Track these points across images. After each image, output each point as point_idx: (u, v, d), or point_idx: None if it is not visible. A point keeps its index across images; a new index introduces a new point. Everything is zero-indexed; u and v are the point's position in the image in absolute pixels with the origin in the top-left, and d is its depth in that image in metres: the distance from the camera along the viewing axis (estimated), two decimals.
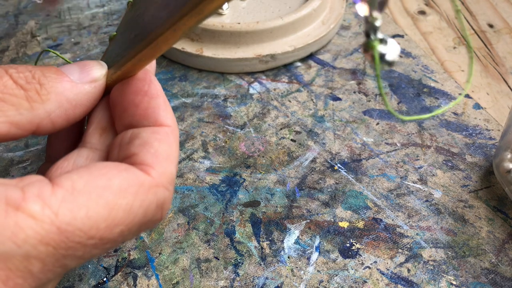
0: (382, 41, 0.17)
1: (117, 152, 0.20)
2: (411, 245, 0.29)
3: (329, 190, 0.32)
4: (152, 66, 0.23)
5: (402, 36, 0.43)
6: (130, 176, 0.18)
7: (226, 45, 0.39)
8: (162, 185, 0.19)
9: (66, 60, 0.25)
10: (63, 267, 0.17)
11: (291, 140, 0.35)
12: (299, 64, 0.41)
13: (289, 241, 0.29)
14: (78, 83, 0.20)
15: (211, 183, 0.32)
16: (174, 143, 0.20)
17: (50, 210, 0.16)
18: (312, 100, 0.38)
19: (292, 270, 0.28)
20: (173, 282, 0.27)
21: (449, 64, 0.41)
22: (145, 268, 0.28)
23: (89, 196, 0.17)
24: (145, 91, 0.21)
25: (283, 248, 0.29)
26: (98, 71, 0.21)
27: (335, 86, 0.39)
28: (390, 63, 0.17)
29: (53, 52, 0.25)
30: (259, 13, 0.42)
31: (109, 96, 0.22)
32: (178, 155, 0.20)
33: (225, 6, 0.41)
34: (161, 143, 0.20)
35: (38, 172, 0.24)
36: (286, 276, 0.28)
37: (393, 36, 0.43)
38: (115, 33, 0.24)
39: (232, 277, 0.27)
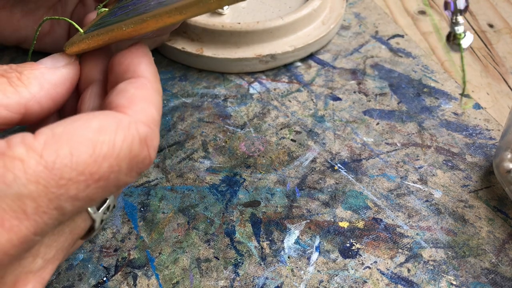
0: (463, 33, 0.25)
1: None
2: (411, 245, 0.29)
3: (329, 190, 0.32)
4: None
5: (402, 36, 0.43)
6: (107, 116, 0.19)
7: (226, 45, 0.39)
8: (141, 121, 0.19)
9: (71, 23, 0.25)
10: (60, 210, 0.17)
11: (291, 140, 0.35)
12: (299, 64, 0.41)
13: (289, 241, 0.29)
14: (52, 67, 0.22)
15: (211, 183, 0.32)
16: (152, 91, 0.21)
17: (34, 152, 0.17)
18: (312, 100, 0.38)
19: (292, 270, 0.28)
20: (173, 282, 0.27)
21: (449, 64, 0.41)
22: (145, 268, 0.28)
23: (70, 137, 0.18)
24: (131, 51, 0.22)
25: (283, 248, 0.29)
26: (66, 58, 0.23)
27: (335, 86, 0.39)
28: (465, 49, 0.25)
29: (55, 19, 0.25)
30: (259, 13, 0.42)
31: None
32: (160, 106, 0.21)
33: (225, 6, 0.41)
34: (138, 89, 0.20)
35: None
36: (286, 276, 0.28)
37: (393, 36, 0.43)
38: (105, 9, 0.26)
39: (232, 277, 0.27)
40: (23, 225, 0.17)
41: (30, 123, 0.22)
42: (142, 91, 0.20)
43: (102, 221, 0.22)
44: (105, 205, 0.22)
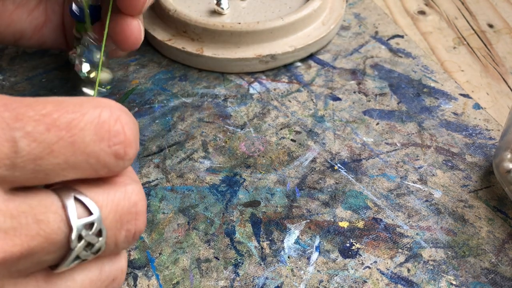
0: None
1: None
2: (411, 245, 0.29)
3: (329, 190, 0.32)
4: None
5: (402, 36, 0.43)
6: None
7: (226, 45, 0.39)
8: (118, 107, 0.19)
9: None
10: (11, 142, 0.16)
11: (291, 140, 0.35)
12: (299, 64, 0.41)
13: (289, 241, 0.29)
14: None
15: (211, 183, 0.32)
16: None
17: None
18: (312, 100, 0.38)
19: (292, 270, 0.28)
20: (173, 282, 0.27)
21: (449, 64, 0.41)
22: (145, 268, 0.28)
23: (39, 98, 0.17)
24: None
25: (283, 248, 0.29)
26: None
27: (335, 86, 0.39)
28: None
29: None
30: (260, 13, 0.42)
31: None
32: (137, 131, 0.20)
33: (226, 6, 0.41)
34: None
35: None
36: (286, 276, 0.28)
37: (393, 37, 0.43)
38: None
39: (232, 277, 0.28)
40: None
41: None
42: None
43: (81, 238, 0.18)
44: (89, 218, 0.18)
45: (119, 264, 0.21)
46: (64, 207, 0.18)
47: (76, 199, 0.18)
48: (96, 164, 0.18)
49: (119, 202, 0.19)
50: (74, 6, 0.31)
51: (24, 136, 0.16)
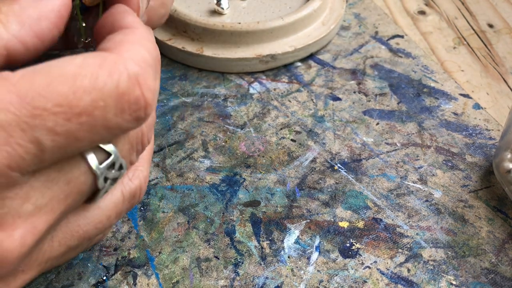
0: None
1: None
2: (411, 245, 0.29)
3: (329, 190, 0.32)
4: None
5: (402, 36, 0.43)
6: (92, 54, 0.17)
7: (226, 45, 0.39)
8: (131, 59, 0.18)
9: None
10: (37, 144, 0.16)
11: (291, 140, 0.35)
12: (299, 64, 0.41)
13: (289, 241, 0.29)
14: (35, 0, 0.20)
15: (211, 183, 0.32)
16: (142, 37, 0.19)
17: (7, 82, 0.16)
18: (312, 100, 0.38)
19: (292, 270, 0.28)
20: (173, 281, 0.27)
21: (449, 64, 0.41)
22: (145, 267, 0.28)
23: (49, 70, 0.16)
24: (112, 11, 0.20)
25: (283, 247, 0.29)
26: None
27: (335, 86, 0.39)
28: None
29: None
30: (260, 13, 0.42)
31: None
32: (154, 51, 0.19)
33: (226, 5, 0.41)
34: (126, 35, 0.19)
35: None
36: (286, 276, 0.28)
37: (393, 37, 0.43)
38: None
39: (232, 276, 0.27)
40: None
41: (17, 63, 0.20)
42: (130, 36, 0.19)
43: (107, 179, 0.20)
44: (109, 160, 0.19)
45: (137, 181, 0.23)
46: (84, 158, 0.18)
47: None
48: (119, 132, 0.18)
49: (131, 133, 0.20)
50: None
51: (46, 133, 0.16)
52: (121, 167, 0.20)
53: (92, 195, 0.20)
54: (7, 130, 0.15)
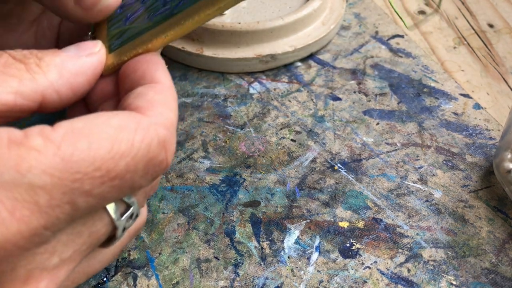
0: None
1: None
2: (411, 245, 0.29)
3: (329, 190, 0.32)
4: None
5: (402, 36, 0.43)
6: (127, 115, 0.19)
7: (226, 45, 0.39)
8: (161, 123, 0.19)
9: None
10: (72, 205, 0.17)
11: (291, 140, 0.35)
12: (299, 64, 0.41)
13: (289, 241, 0.29)
14: (75, 55, 0.21)
15: (211, 183, 0.32)
16: (170, 96, 0.20)
17: (52, 143, 0.17)
18: (312, 100, 0.38)
19: (292, 270, 0.28)
20: (173, 282, 0.27)
21: (449, 64, 0.41)
22: (145, 268, 0.28)
23: (90, 131, 0.17)
24: (146, 59, 0.21)
25: (283, 248, 0.29)
26: (93, 45, 0.22)
27: (335, 86, 0.39)
28: None
29: None
30: (260, 13, 0.42)
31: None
32: (177, 111, 0.21)
33: None
34: (157, 94, 0.20)
35: None
36: (286, 276, 0.28)
37: (393, 36, 0.43)
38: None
39: (232, 277, 0.27)
40: (34, 217, 0.16)
41: (47, 111, 0.21)
42: (161, 95, 0.20)
43: (124, 229, 0.21)
44: (128, 212, 0.21)
45: (141, 218, 0.24)
46: (106, 211, 0.20)
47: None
48: (138, 190, 0.20)
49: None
50: None
51: (82, 195, 0.17)
52: (136, 216, 0.21)
53: (107, 241, 0.21)
54: (50, 193, 0.16)
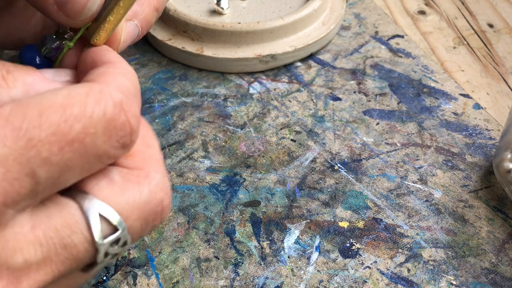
0: None
1: None
2: (411, 245, 0.29)
3: (329, 190, 0.32)
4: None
5: (402, 36, 0.43)
6: (77, 85, 0.18)
7: (226, 45, 0.39)
8: (115, 87, 0.18)
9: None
10: (33, 177, 0.16)
11: (291, 140, 0.35)
12: (299, 64, 0.41)
13: (289, 241, 0.29)
14: (50, 79, 0.20)
15: (211, 183, 0.32)
16: (124, 68, 0.20)
17: None
18: (312, 100, 0.38)
19: (292, 270, 0.28)
20: (173, 281, 0.27)
21: (449, 64, 0.41)
22: (145, 267, 0.28)
23: (38, 102, 0.16)
24: (93, 49, 0.21)
25: (283, 248, 0.29)
26: (71, 75, 0.21)
27: (335, 86, 0.39)
28: None
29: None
30: (260, 13, 0.42)
31: None
32: (134, 82, 0.20)
33: (226, 5, 0.41)
34: (108, 68, 0.19)
35: None
36: (286, 276, 0.28)
37: (393, 37, 0.43)
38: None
39: (232, 276, 0.27)
40: None
41: None
42: (112, 68, 0.19)
43: (107, 254, 0.19)
44: (114, 236, 0.18)
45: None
46: (88, 226, 0.18)
47: (100, 214, 0.18)
48: (106, 160, 0.18)
49: (144, 206, 0.19)
50: (31, 52, 0.27)
51: (41, 164, 0.16)
52: (125, 243, 0.19)
53: (89, 265, 0.19)
54: (5, 165, 0.15)
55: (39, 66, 0.26)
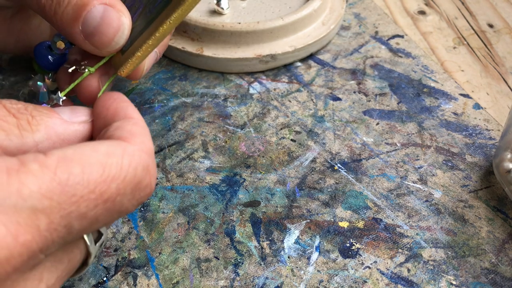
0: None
1: None
2: (411, 245, 0.29)
3: (329, 190, 0.32)
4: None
5: (402, 36, 0.43)
6: (113, 143, 0.20)
7: (226, 45, 0.39)
8: (143, 151, 0.20)
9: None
10: (68, 228, 0.18)
11: (291, 140, 0.35)
12: (299, 64, 0.41)
13: (289, 241, 0.29)
14: (68, 121, 0.22)
15: (211, 183, 0.32)
16: (145, 128, 0.22)
17: (47, 169, 0.17)
18: (312, 100, 0.38)
19: (292, 270, 0.28)
20: (173, 282, 0.27)
21: (449, 64, 0.41)
22: (145, 268, 0.28)
23: (81, 158, 0.18)
24: (114, 98, 0.23)
25: (283, 248, 0.29)
26: (87, 115, 0.23)
27: (335, 86, 0.39)
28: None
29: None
30: (260, 13, 0.42)
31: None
32: (152, 145, 0.22)
33: (226, 6, 0.41)
34: (134, 126, 0.21)
35: None
36: (286, 276, 0.28)
37: (393, 36, 0.43)
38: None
39: (232, 277, 0.27)
40: (34, 241, 0.17)
41: None
42: (138, 127, 0.21)
43: (95, 256, 0.22)
44: (102, 239, 0.22)
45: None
46: (83, 238, 0.21)
47: None
48: (125, 214, 0.20)
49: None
50: (48, 52, 0.28)
51: (77, 218, 0.18)
52: (103, 243, 0.22)
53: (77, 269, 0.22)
54: (50, 217, 0.17)
55: (51, 65, 0.27)
